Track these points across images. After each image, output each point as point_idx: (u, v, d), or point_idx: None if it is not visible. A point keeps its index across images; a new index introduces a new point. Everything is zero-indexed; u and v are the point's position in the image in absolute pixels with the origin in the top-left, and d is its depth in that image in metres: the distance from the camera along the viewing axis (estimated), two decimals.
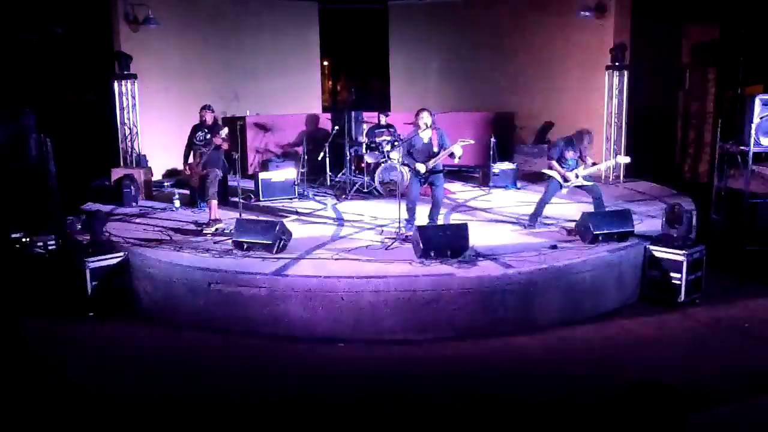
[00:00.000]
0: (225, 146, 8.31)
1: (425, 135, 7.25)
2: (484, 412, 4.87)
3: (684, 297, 6.72)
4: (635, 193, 9.89)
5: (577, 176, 7.61)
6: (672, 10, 10.95)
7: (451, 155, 7.19)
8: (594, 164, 7.78)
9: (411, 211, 7.50)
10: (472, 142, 7.23)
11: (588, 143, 7.66)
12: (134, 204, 9.42)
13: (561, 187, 7.66)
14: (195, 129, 8.38)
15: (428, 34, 12.85)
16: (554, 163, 7.65)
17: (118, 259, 6.79)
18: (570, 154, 7.62)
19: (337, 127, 10.52)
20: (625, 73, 10.66)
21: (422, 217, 7.57)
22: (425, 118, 7.22)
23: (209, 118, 8.35)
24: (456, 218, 8.40)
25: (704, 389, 5.14)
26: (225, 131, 8.13)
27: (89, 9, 10.74)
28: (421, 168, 7.26)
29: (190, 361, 5.82)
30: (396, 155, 9.31)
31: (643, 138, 10.77)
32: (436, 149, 7.31)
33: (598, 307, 6.65)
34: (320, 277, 6.21)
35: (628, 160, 8.38)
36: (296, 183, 9.94)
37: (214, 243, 7.32)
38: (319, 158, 10.55)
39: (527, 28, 11.79)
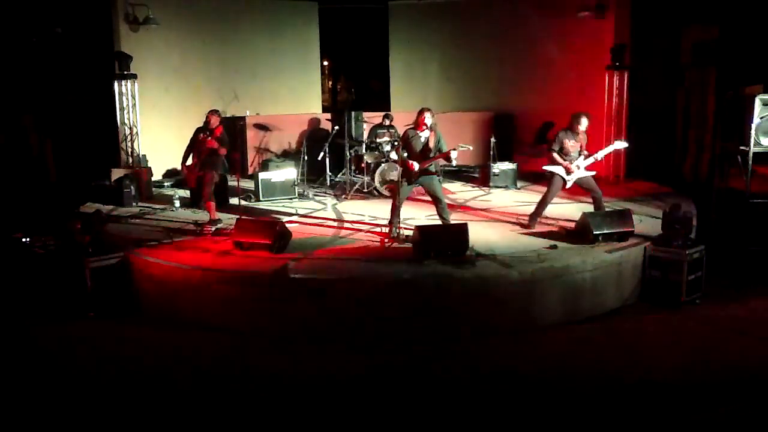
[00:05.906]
0: (222, 150, 8.22)
1: (423, 135, 7.22)
2: (481, 412, 4.89)
3: (684, 297, 6.72)
4: (635, 193, 9.88)
5: (578, 167, 7.59)
6: (672, 10, 10.94)
7: (447, 159, 7.11)
8: (592, 155, 7.68)
9: (395, 210, 7.37)
10: (470, 148, 7.16)
11: (586, 127, 7.59)
12: (134, 204, 9.43)
13: (564, 182, 7.63)
14: (198, 131, 8.37)
15: (428, 34, 12.85)
16: (555, 155, 7.60)
17: (118, 259, 6.79)
18: (571, 144, 7.58)
19: (337, 127, 10.52)
20: (625, 73, 10.66)
21: (422, 219, 7.52)
22: (428, 119, 7.17)
23: (213, 122, 8.34)
24: (456, 218, 8.40)
25: (704, 389, 5.14)
26: (219, 131, 8.08)
27: (89, 9, 10.73)
28: (414, 166, 7.19)
29: (191, 360, 5.82)
30: (395, 155, 9.27)
31: (644, 138, 10.76)
32: (431, 152, 7.23)
33: (598, 307, 6.65)
34: (320, 277, 6.20)
35: (625, 145, 8.33)
36: (296, 183, 9.94)
37: (214, 243, 7.32)
38: (319, 158, 10.55)
39: (527, 28, 11.77)
